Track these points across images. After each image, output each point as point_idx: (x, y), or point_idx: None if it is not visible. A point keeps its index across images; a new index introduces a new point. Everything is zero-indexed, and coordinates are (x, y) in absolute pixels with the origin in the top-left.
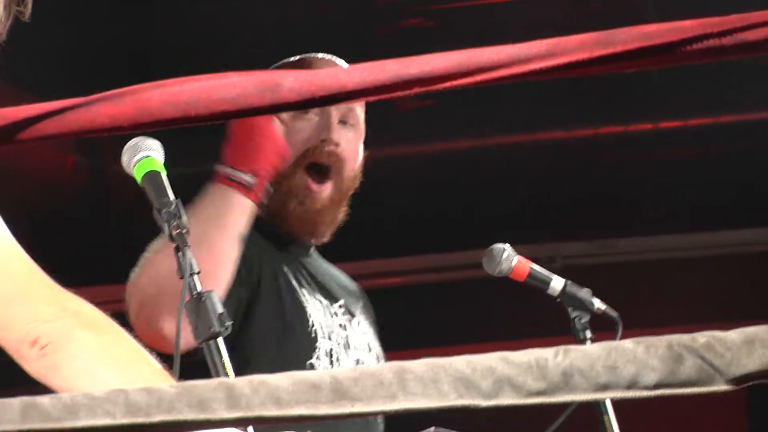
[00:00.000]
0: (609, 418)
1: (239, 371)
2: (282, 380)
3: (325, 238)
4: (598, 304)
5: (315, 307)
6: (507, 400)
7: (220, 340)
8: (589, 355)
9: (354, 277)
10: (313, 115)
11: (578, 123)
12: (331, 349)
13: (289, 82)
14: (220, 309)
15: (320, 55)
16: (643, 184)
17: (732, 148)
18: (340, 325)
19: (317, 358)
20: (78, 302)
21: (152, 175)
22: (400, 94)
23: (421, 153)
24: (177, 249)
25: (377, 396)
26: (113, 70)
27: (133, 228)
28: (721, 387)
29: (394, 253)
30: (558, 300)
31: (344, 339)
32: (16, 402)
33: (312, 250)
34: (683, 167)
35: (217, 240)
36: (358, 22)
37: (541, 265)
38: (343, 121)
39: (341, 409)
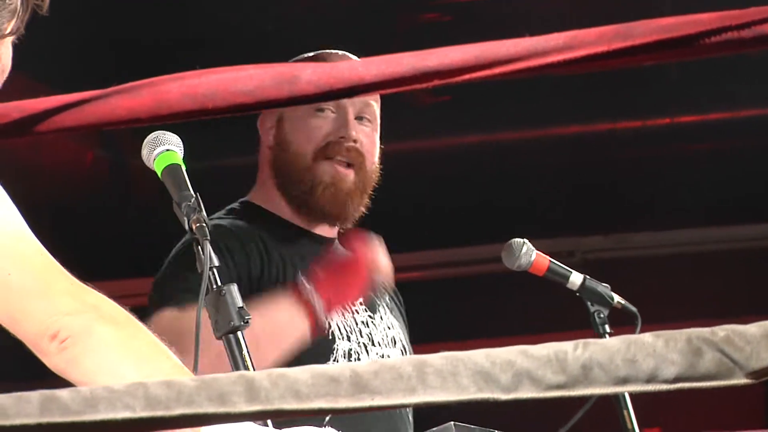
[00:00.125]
0: (628, 413)
1: None
2: (301, 374)
3: (349, 224)
4: (617, 298)
5: None
6: (526, 393)
7: (240, 334)
8: (608, 348)
9: None
10: (329, 112)
11: (596, 117)
12: (349, 350)
13: (307, 74)
14: (239, 303)
15: (337, 51)
16: (661, 178)
17: (750, 142)
18: (362, 323)
19: (334, 360)
20: (97, 296)
21: (172, 169)
22: (417, 86)
23: (438, 148)
24: (197, 242)
25: (397, 389)
26: (129, 64)
27: (155, 222)
28: (741, 381)
29: (413, 248)
30: (577, 294)
31: (366, 337)
32: (35, 395)
33: (335, 244)
34: (701, 162)
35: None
36: (377, 16)
37: (560, 260)
38: (359, 117)
39: (361, 403)
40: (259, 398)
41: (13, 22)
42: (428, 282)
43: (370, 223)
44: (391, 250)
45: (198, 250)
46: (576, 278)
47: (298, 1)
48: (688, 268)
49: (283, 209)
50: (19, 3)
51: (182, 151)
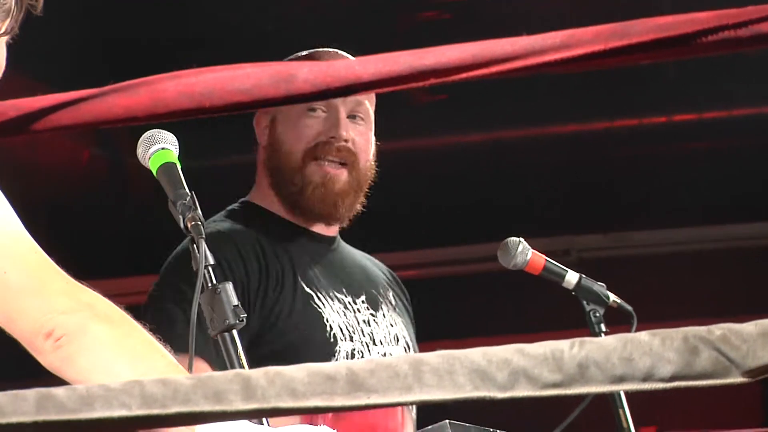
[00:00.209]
0: (624, 411)
1: None
2: (298, 372)
3: (344, 223)
4: (613, 297)
5: (333, 309)
6: (522, 391)
7: (235, 332)
8: (604, 347)
9: None
10: (320, 112)
11: (593, 116)
12: (352, 350)
13: (303, 73)
14: (235, 301)
15: (329, 50)
16: (658, 177)
17: (747, 141)
18: (364, 322)
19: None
20: (92, 295)
21: (167, 168)
22: (414, 85)
23: (435, 146)
24: (192, 240)
25: (393, 388)
26: (129, 64)
27: (152, 220)
28: (737, 379)
29: (409, 246)
30: (573, 293)
31: (368, 336)
32: (31, 393)
33: (335, 242)
34: (698, 160)
35: None
36: (377, 16)
37: (556, 258)
38: (352, 115)
39: (357, 401)
40: (256, 396)
41: (7, 22)
42: (424, 280)
43: (367, 221)
44: (388, 248)
45: (193, 248)
46: (572, 277)
47: (298, 1)
48: (685, 267)
49: (280, 208)
50: (13, 3)
51: (177, 149)
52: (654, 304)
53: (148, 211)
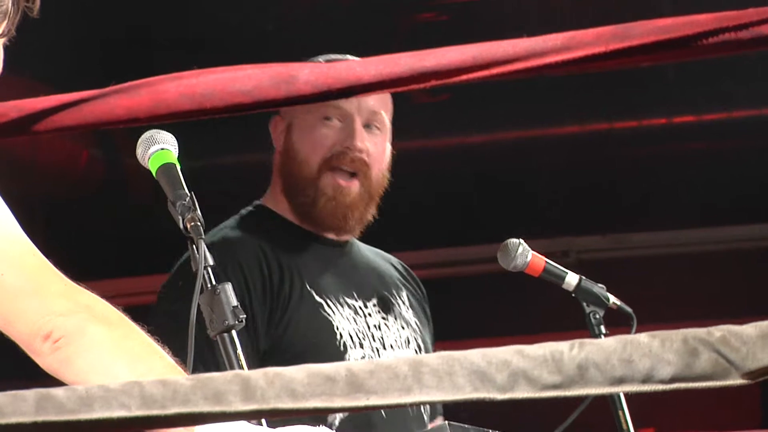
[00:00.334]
0: (624, 413)
1: None
2: (297, 373)
3: (355, 234)
4: (612, 299)
5: (344, 315)
6: (522, 393)
7: (234, 333)
8: (604, 348)
9: None
10: (336, 121)
11: (593, 117)
12: (362, 357)
13: (304, 74)
14: (234, 302)
15: (332, 56)
16: (658, 178)
17: (746, 143)
18: (375, 326)
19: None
20: (90, 296)
21: (167, 168)
22: (415, 86)
23: (435, 147)
24: (191, 241)
25: (392, 389)
26: (129, 64)
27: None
28: (737, 381)
29: (409, 247)
30: (573, 295)
31: (379, 341)
32: (31, 394)
33: (347, 245)
34: (698, 162)
35: None
36: (376, 16)
37: (555, 260)
38: (367, 125)
39: (356, 402)
40: (255, 397)
41: (4, 24)
42: (424, 281)
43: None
44: (388, 249)
45: (192, 249)
46: (572, 279)
47: (298, 1)
48: (685, 269)
49: (291, 215)
50: (10, 5)
51: (177, 149)
52: (654, 306)
53: (147, 212)
